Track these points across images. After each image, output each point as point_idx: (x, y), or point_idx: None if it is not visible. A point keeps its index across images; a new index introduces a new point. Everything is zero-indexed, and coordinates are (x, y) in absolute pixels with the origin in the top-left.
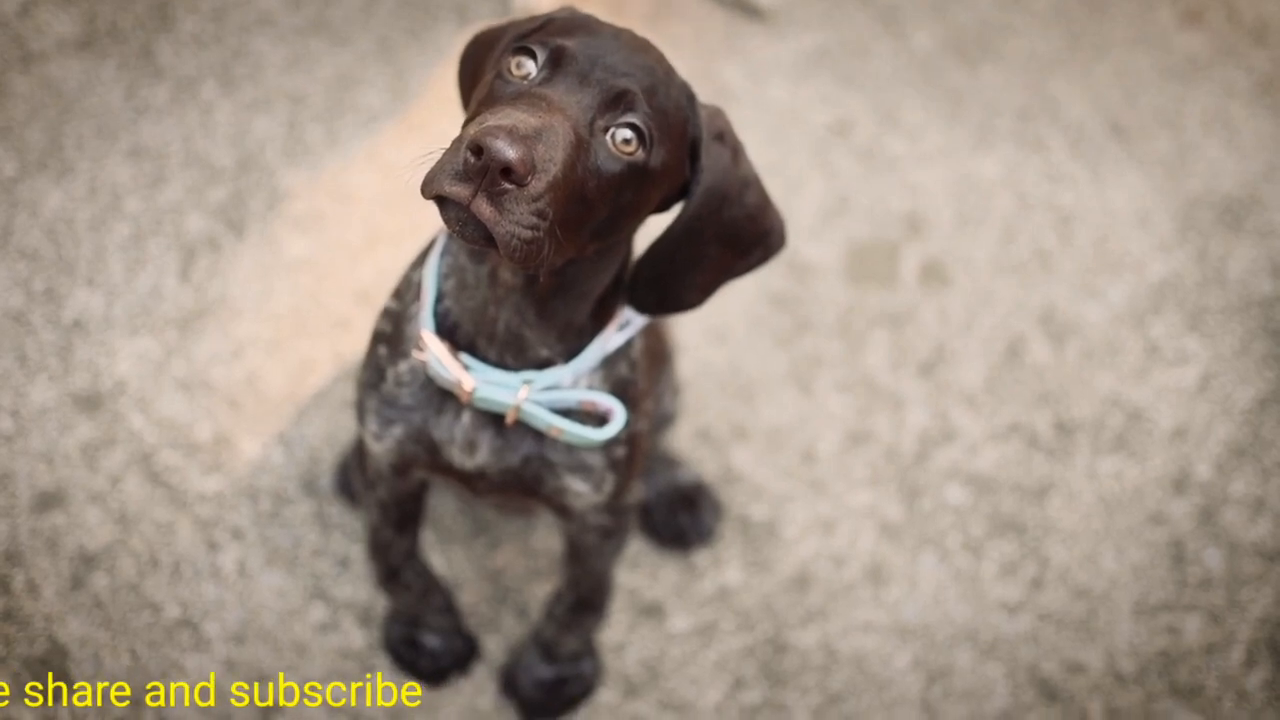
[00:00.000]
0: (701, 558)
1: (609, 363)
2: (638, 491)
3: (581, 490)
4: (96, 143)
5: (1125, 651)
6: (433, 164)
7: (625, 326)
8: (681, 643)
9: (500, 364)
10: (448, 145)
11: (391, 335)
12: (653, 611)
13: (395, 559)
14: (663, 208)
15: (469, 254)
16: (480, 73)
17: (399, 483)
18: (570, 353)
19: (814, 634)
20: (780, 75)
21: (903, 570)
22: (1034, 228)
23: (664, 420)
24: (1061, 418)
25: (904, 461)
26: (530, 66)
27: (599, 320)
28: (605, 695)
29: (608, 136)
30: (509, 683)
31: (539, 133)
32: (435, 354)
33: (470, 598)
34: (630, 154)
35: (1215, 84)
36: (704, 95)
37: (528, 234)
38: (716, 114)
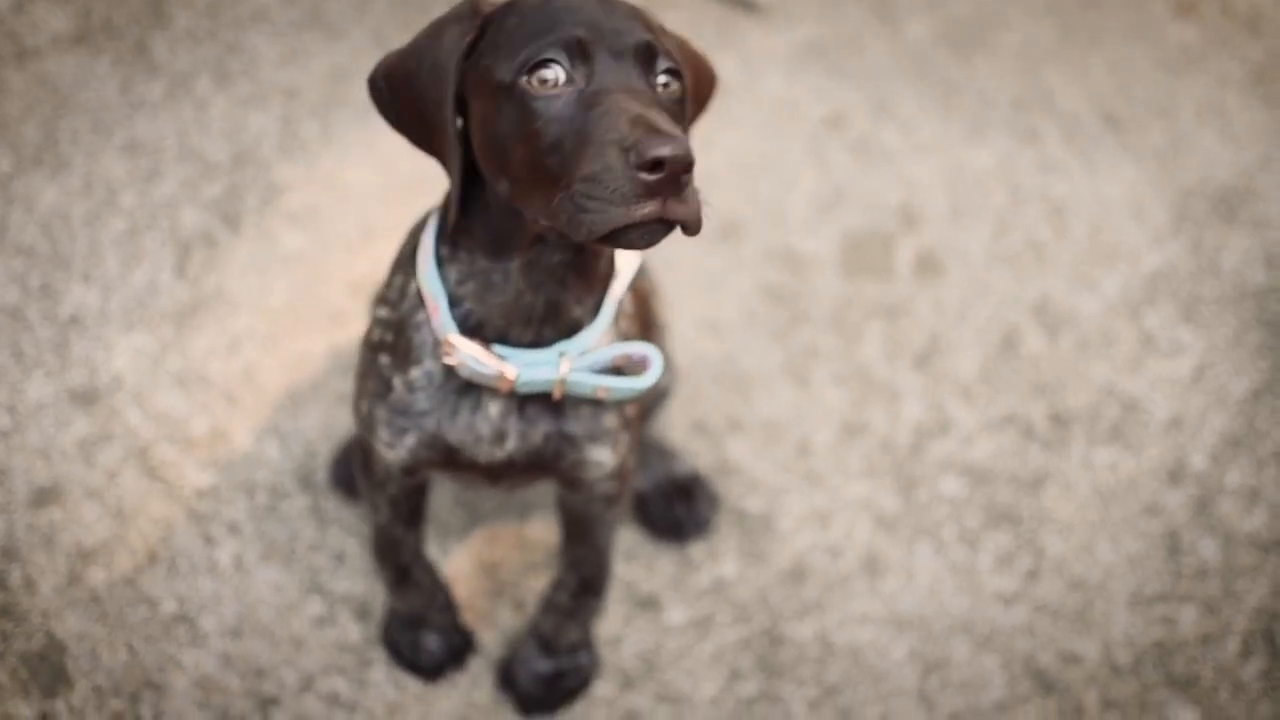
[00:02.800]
0: (697, 550)
1: (615, 318)
2: (634, 455)
3: (601, 458)
4: (91, 138)
5: (1121, 642)
6: (586, 204)
7: (619, 278)
8: (678, 635)
9: (536, 342)
10: (579, 184)
11: (394, 344)
12: (649, 604)
13: (406, 557)
14: None
15: (489, 256)
16: (414, 100)
17: (408, 480)
18: (595, 305)
19: (810, 626)
20: (775, 68)
21: (899, 562)
22: (1028, 219)
23: (659, 397)
24: (1056, 409)
25: (899, 453)
26: (557, 72)
27: (610, 263)
28: (602, 688)
29: (659, 90)
30: (506, 677)
31: (661, 120)
32: (469, 354)
33: (466, 591)
34: (675, 91)
35: (1209, 75)
36: None
37: (701, 205)
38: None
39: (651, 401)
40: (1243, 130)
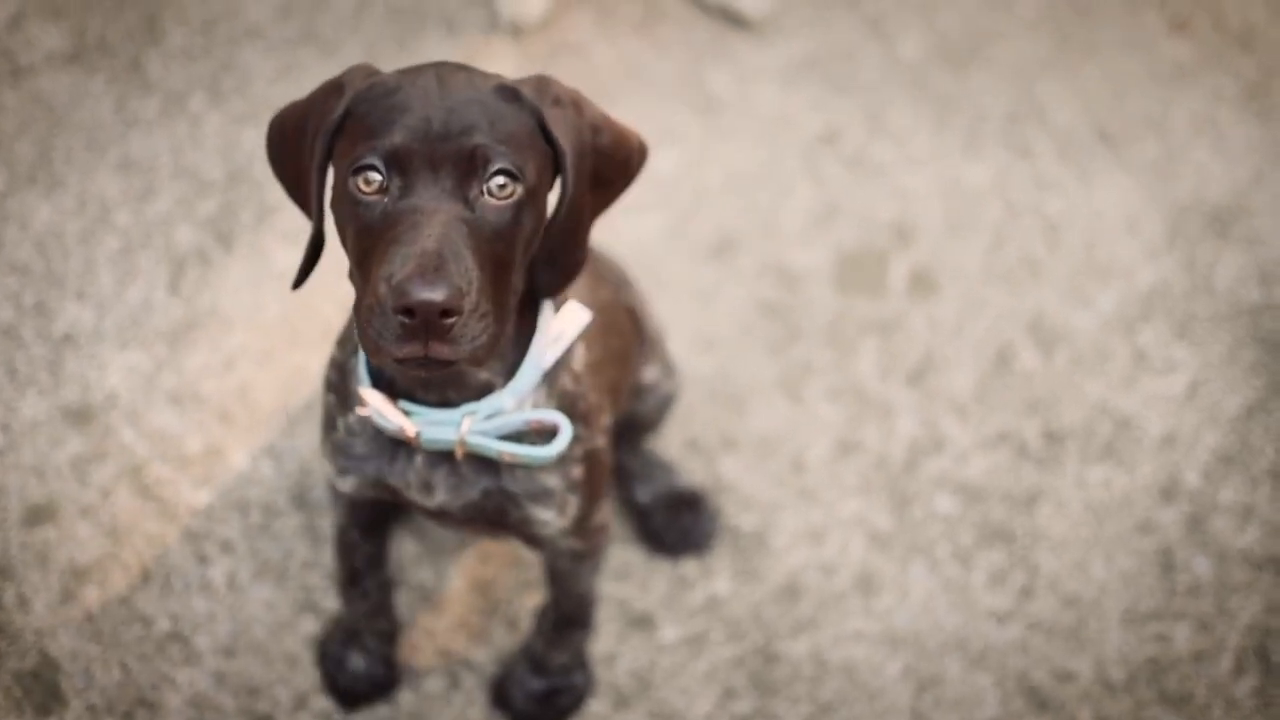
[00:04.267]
0: (691, 568)
1: (550, 378)
2: (606, 512)
3: (546, 518)
4: (86, 156)
5: (1114, 660)
6: (367, 330)
7: (558, 339)
8: (671, 653)
9: (443, 403)
10: (364, 306)
11: (338, 385)
12: (643, 622)
13: (359, 561)
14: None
15: None
16: (300, 159)
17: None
18: (508, 369)
19: (804, 644)
20: (768, 82)
21: (893, 579)
22: (1022, 234)
23: (666, 404)
24: (1050, 426)
25: (893, 470)
26: (376, 177)
27: (523, 325)
28: (596, 706)
29: (486, 196)
30: (500, 695)
31: (441, 254)
32: (376, 407)
33: (460, 609)
34: (511, 195)
35: (1203, 90)
36: (691, 102)
37: (484, 338)
38: (541, 83)
39: (658, 410)
40: (1236, 146)
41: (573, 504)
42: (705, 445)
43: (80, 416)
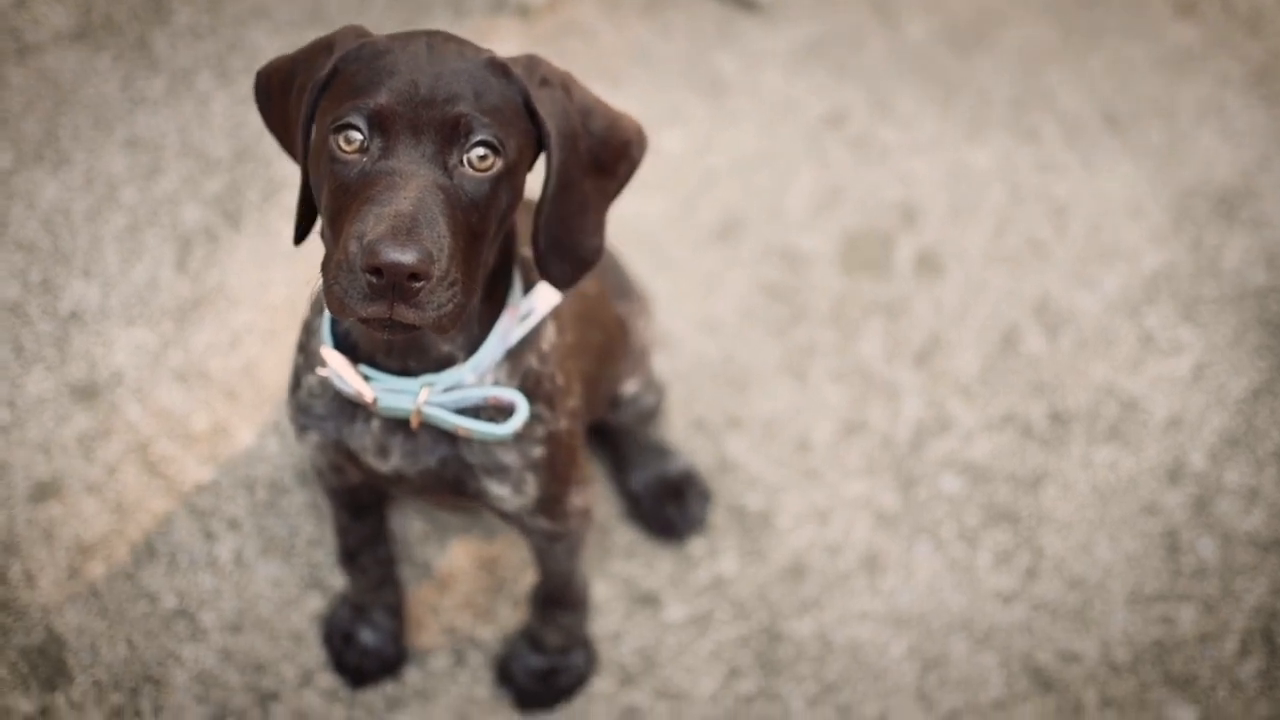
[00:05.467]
0: (697, 547)
1: (515, 356)
2: (585, 497)
3: (502, 494)
4: (92, 134)
5: (1119, 641)
6: (333, 287)
7: (527, 317)
8: (677, 632)
9: (403, 371)
10: (333, 263)
11: (305, 345)
12: (648, 601)
13: (352, 541)
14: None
15: None
16: (286, 111)
17: (338, 477)
18: (472, 343)
19: (809, 623)
20: (774, 65)
21: (898, 560)
22: (1028, 218)
23: (646, 416)
24: (1056, 408)
25: (899, 451)
26: (357, 136)
27: (492, 301)
28: (600, 684)
29: (465, 166)
30: (504, 672)
31: (415, 218)
32: (335, 369)
33: (466, 588)
34: (490, 168)
35: (1209, 74)
36: (697, 85)
37: (450, 307)
38: (531, 62)
39: (636, 422)
40: (1243, 130)
41: (531, 483)
42: (710, 426)
43: (86, 393)
